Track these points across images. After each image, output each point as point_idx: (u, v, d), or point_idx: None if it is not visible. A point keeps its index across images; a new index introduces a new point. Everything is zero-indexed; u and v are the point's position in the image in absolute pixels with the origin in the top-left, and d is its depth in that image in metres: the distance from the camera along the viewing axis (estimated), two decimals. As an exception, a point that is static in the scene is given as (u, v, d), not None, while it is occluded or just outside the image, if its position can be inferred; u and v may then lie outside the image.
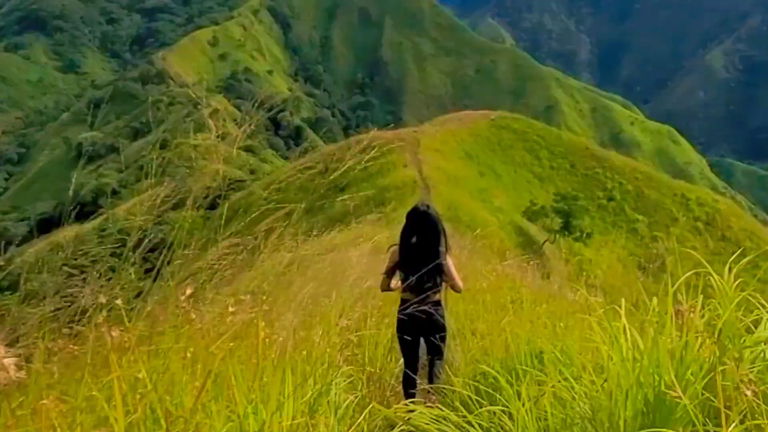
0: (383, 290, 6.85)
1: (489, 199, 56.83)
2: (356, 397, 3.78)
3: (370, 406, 3.32)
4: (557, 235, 53.68)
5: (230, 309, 3.96)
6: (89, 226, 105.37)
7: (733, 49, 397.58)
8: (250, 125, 4.89)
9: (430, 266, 6.29)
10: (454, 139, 73.10)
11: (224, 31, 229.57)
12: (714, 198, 73.94)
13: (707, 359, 2.71)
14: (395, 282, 6.64)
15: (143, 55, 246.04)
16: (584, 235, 54.50)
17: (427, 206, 6.74)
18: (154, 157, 4.53)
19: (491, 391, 3.75)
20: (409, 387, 6.27)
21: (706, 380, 2.61)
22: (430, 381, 6.19)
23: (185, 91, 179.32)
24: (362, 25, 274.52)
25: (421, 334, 6.40)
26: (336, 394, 3.57)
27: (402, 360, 6.61)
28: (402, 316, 6.27)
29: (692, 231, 65.72)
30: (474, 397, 3.39)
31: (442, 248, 6.48)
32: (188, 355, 3.14)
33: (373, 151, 6.20)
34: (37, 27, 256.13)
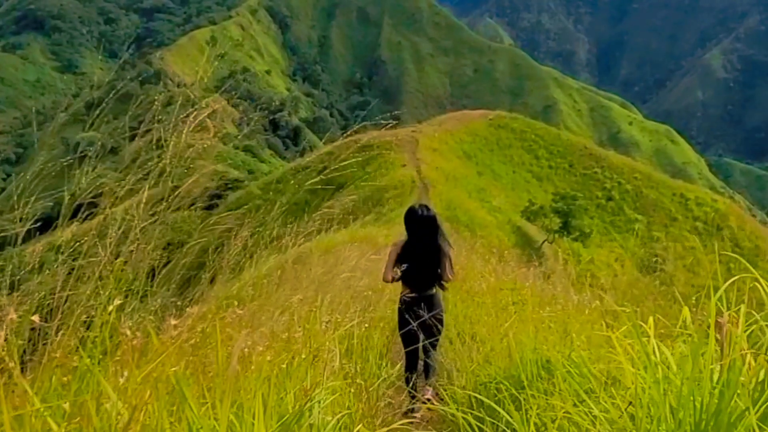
0: (385, 281, 7.14)
1: (487, 199, 56.41)
2: (342, 416, 3.36)
3: (358, 427, 2.93)
4: (556, 236, 53.32)
5: (172, 322, 3.56)
6: (86, 226, 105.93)
7: (732, 48, 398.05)
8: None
9: (432, 267, 6.96)
10: (453, 139, 72.70)
11: (222, 30, 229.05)
12: (713, 198, 73.52)
13: (754, 381, 2.28)
14: (395, 272, 6.93)
15: (141, 55, 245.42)
16: (583, 235, 54.09)
17: (427, 208, 7.19)
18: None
19: (493, 420, 3.30)
20: (409, 370, 6.90)
21: (761, 410, 2.13)
22: (426, 377, 6.82)
23: (183, 90, 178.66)
24: (360, 24, 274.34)
25: (419, 328, 6.52)
26: (319, 413, 3.15)
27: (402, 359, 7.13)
28: (403, 310, 6.84)
29: (692, 231, 65.42)
30: (474, 423, 2.92)
31: (444, 248, 6.99)
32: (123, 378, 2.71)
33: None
34: (34, 27, 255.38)
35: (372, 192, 44.35)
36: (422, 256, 6.91)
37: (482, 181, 64.48)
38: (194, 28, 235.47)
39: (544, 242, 48.33)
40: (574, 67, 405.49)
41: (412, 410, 6.31)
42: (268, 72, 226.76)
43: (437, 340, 7.01)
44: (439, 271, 6.95)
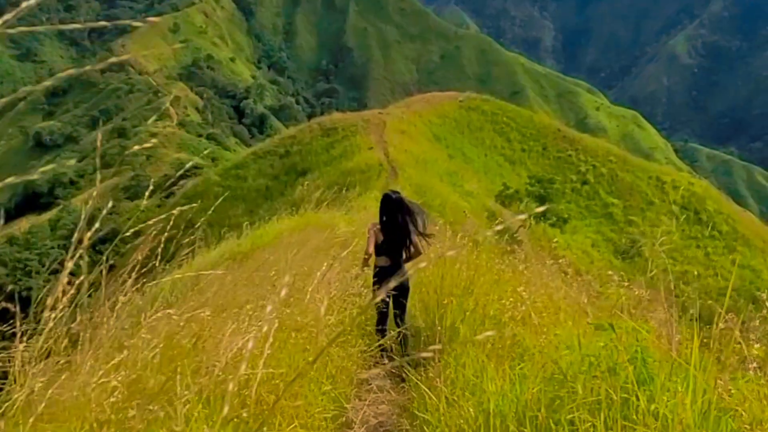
0: (367, 253, 8.31)
1: (459, 183, 54.51)
2: None
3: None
4: (532, 220, 51.37)
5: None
6: (44, 217, 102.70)
7: (696, 34, 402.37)
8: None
9: (401, 241, 8.39)
10: (422, 121, 70.84)
11: (185, 17, 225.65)
12: (690, 181, 72.33)
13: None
14: (370, 249, 8.30)
15: (102, 42, 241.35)
16: (561, 220, 52.47)
17: (398, 192, 8.69)
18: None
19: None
20: (381, 325, 8.31)
21: None
22: (405, 348, 7.93)
23: (145, 78, 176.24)
24: (326, 11, 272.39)
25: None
26: None
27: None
28: (378, 275, 8.24)
29: (668, 215, 64.12)
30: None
31: (413, 228, 8.36)
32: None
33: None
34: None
35: (337, 176, 42.46)
36: (394, 234, 8.35)
37: (453, 164, 62.53)
38: (156, 14, 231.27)
39: (519, 227, 46.49)
40: (540, 54, 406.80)
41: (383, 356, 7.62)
42: (232, 59, 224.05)
43: (406, 302, 8.34)
44: (408, 244, 8.39)
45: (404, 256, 8.41)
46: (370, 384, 6.79)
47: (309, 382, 4.96)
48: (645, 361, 3.52)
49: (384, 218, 8.40)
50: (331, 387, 5.41)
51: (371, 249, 8.23)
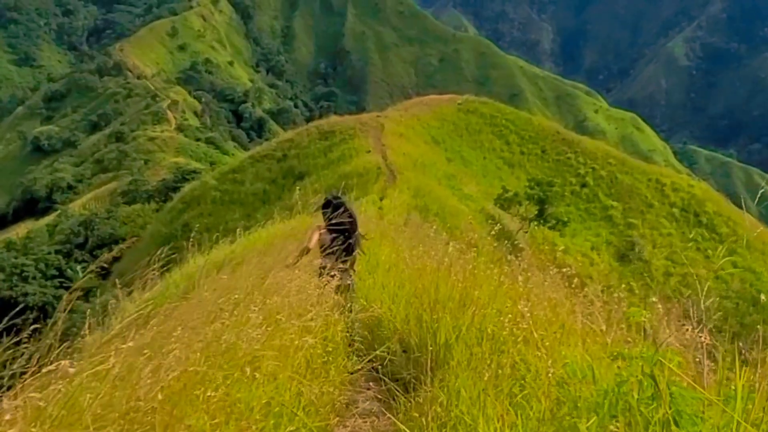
0: (307, 247, 8.37)
1: (458, 186, 54.10)
2: None
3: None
4: (531, 224, 50.99)
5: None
6: (42, 222, 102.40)
7: (694, 36, 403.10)
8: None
9: (350, 241, 8.61)
10: (420, 124, 70.41)
11: (183, 21, 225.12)
12: (689, 183, 71.92)
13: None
14: (311, 244, 8.38)
15: (100, 47, 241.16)
16: (560, 223, 52.06)
17: (340, 197, 9.02)
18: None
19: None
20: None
21: None
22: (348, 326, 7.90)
23: (143, 82, 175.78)
24: (324, 14, 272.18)
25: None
26: None
27: None
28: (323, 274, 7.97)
29: (668, 217, 63.78)
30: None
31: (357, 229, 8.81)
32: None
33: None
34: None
35: (335, 180, 42.15)
36: (340, 235, 8.51)
37: (452, 167, 62.09)
38: (154, 18, 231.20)
39: (518, 231, 46.09)
40: (539, 57, 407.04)
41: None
42: (230, 63, 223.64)
43: (354, 297, 8.44)
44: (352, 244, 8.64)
45: (349, 257, 8.61)
46: (357, 407, 6.16)
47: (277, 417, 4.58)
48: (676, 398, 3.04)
49: (330, 221, 8.56)
50: (306, 419, 4.85)
51: (311, 244, 8.37)
